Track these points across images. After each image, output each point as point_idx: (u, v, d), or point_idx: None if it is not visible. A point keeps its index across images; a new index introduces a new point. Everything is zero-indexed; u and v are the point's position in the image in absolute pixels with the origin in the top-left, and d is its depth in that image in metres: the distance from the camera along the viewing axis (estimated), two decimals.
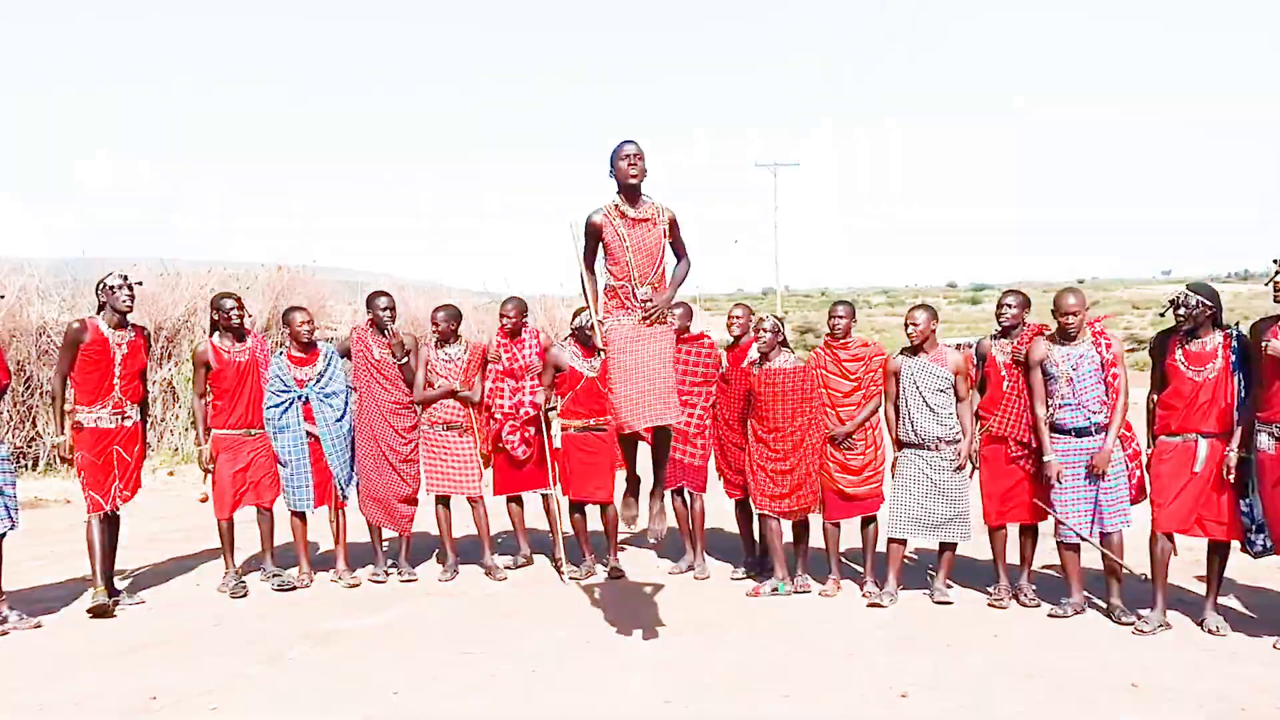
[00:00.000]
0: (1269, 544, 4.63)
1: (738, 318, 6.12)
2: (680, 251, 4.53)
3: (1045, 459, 5.00)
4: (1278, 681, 4.05)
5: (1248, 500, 4.64)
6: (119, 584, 5.76)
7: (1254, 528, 4.66)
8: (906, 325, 5.32)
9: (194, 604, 5.57)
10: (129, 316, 5.46)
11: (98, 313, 5.40)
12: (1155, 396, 4.90)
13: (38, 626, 5.07)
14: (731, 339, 6.17)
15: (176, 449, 11.58)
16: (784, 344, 5.58)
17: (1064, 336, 4.98)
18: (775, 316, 5.69)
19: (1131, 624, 4.76)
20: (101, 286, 5.35)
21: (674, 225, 4.44)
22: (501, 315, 6.17)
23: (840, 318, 5.51)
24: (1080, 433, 4.93)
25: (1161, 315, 4.96)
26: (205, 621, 5.19)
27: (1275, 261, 4.43)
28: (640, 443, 4.74)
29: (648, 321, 4.32)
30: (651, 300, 4.32)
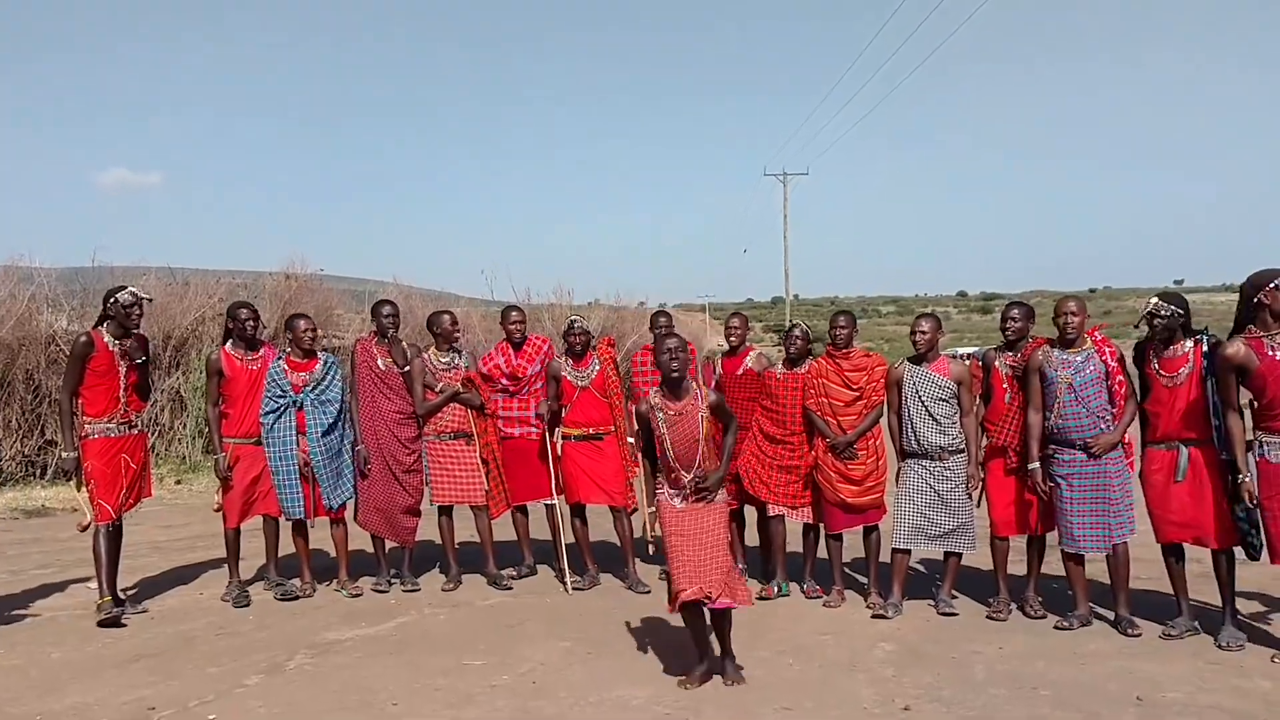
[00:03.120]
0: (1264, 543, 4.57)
1: (735, 328, 6.12)
2: (726, 426, 4.50)
3: (1030, 466, 5.00)
4: None
5: (1243, 505, 4.58)
6: (122, 594, 5.76)
7: (1251, 530, 4.62)
8: (913, 333, 5.30)
9: (196, 613, 5.57)
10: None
11: (100, 324, 5.38)
12: (1144, 406, 4.90)
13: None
14: (729, 348, 6.16)
15: (184, 458, 11.63)
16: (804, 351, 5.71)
17: (1063, 341, 4.97)
18: (803, 324, 5.75)
19: (1138, 635, 4.73)
20: (113, 301, 5.32)
21: (714, 409, 4.41)
22: (510, 324, 6.16)
23: (841, 328, 5.51)
24: (1087, 445, 4.87)
25: (1136, 327, 4.98)
26: (207, 631, 5.20)
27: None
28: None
29: (697, 500, 4.35)
30: (704, 482, 4.33)
